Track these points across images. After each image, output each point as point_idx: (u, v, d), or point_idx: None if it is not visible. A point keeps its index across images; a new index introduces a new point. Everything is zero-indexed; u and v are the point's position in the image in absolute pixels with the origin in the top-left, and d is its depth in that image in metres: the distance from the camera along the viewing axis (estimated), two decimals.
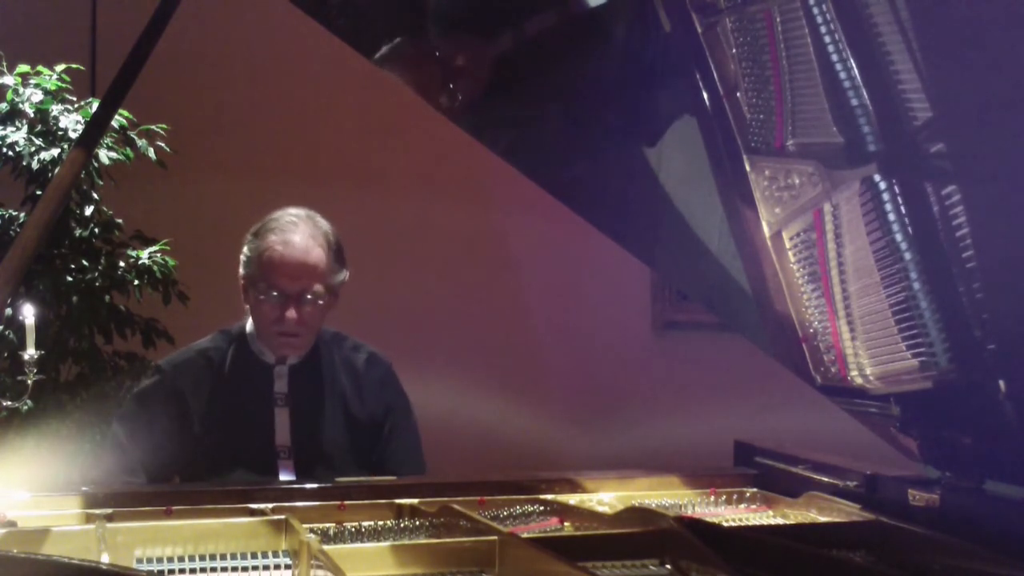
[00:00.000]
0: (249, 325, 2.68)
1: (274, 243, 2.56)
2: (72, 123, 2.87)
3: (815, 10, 1.83)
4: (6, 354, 2.89)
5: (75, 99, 2.89)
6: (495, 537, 1.83)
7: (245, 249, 2.62)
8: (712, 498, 2.33)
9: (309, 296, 2.57)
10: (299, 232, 2.58)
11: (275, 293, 2.56)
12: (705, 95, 2.10)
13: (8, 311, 2.13)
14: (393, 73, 2.43)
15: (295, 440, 2.62)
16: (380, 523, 2.09)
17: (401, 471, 2.63)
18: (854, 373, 2.05)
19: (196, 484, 2.45)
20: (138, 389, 2.64)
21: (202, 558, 1.86)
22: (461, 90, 2.40)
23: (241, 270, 2.63)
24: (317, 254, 2.58)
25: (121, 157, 2.95)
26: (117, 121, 2.82)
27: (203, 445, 2.58)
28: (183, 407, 2.60)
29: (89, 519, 1.98)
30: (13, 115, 2.88)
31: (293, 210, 2.64)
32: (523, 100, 2.41)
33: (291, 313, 2.55)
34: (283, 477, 2.58)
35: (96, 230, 2.98)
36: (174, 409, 2.59)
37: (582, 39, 2.29)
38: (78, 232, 2.89)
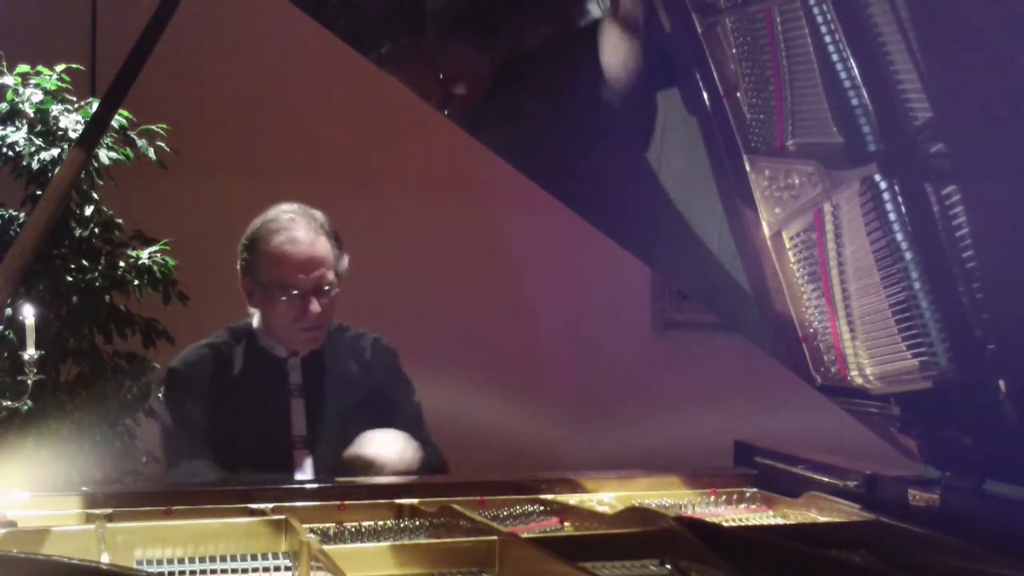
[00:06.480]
0: (255, 321, 2.69)
1: (281, 243, 2.57)
2: (72, 123, 2.87)
3: (815, 10, 1.83)
4: (6, 354, 2.89)
5: (75, 99, 2.89)
6: (495, 537, 1.83)
7: (245, 254, 2.62)
8: (712, 498, 2.32)
9: (325, 287, 2.59)
10: (301, 227, 2.59)
11: (294, 292, 2.57)
12: (705, 95, 2.10)
13: (8, 311, 2.12)
14: (392, 73, 2.43)
15: (311, 429, 2.64)
16: (380, 523, 2.09)
17: None
18: (854, 373, 2.05)
19: (196, 484, 2.45)
20: (163, 395, 2.68)
21: (202, 559, 1.85)
22: (460, 89, 2.40)
23: (244, 276, 2.63)
24: (323, 244, 2.61)
25: (121, 157, 2.95)
26: (117, 121, 2.82)
27: (219, 439, 2.59)
28: (204, 399, 2.62)
29: (89, 519, 1.98)
30: (13, 115, 2.88)
31: (285, 206, 2.65)
32: (522, 99, 2.41)
33: (314, 307, 2.57)
34: (299, 467, 2.60)
35: (96, 230, 2.98)
36: (200, 402, 2.61)
37: (582, 38, 2.29)
38: (78, 232, 2.90)
